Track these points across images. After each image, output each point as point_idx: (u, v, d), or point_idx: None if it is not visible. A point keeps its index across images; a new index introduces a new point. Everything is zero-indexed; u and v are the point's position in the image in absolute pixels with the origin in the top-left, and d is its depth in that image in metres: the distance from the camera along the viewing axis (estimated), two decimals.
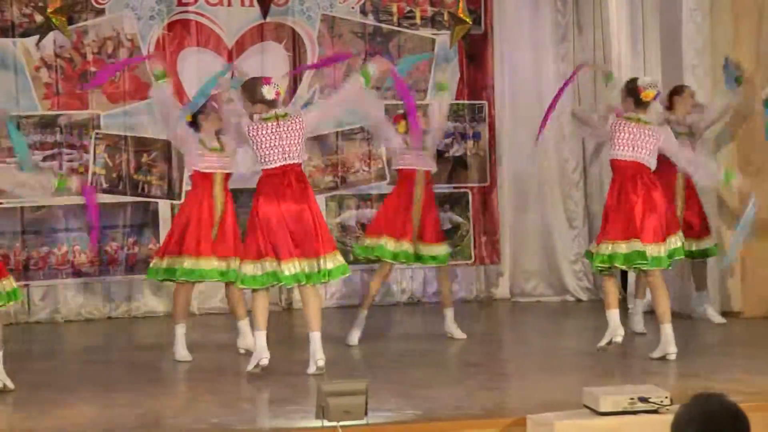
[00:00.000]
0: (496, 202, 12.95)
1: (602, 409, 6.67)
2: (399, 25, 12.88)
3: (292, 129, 8.81)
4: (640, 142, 9.12)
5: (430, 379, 8.51)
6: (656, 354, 9.08)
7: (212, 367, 9.39)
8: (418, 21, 12.92)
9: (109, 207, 12.13)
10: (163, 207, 12.26)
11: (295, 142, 8.79)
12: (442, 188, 12.54)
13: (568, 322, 9.99)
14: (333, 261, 8.82)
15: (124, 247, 12.19)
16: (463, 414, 7.31)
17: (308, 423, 6.91)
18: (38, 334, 11.48)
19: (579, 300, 12.51)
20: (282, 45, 12.65)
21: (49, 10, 11.73)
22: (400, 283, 12.78)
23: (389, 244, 10.15)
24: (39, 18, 11.91)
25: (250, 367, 8.62)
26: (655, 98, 9.25)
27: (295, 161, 8.79)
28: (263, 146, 8.73)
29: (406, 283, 12.80)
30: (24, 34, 12.00)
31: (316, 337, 8.75)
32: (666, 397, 6.69)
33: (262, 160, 8.77)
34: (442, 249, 10.35)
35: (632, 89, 9.20)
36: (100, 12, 12.21)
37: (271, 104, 8.82)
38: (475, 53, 12.93)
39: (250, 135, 8.76)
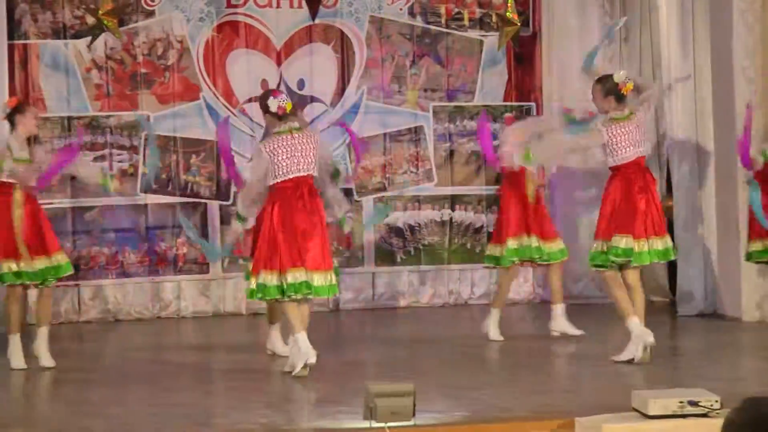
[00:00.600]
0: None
1: (651, 413, 6.64)
2: (447, 26, 12.86)
3: (305, 142, 8.86)
4: (638, 136, 9.17)
5: (478, 381, 8.49)
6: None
7: (260, 368, 9.40)
8: (466, 22, 12.90)
9: (158, 207, 12.19)
10: (212, 207, 12.29)
11: (308, 155, 8.83)
12: (489, 190, 12.53)
13: (616, 324, 9.91)
14: (325, 279, 8.83)
15: (173, 247, 12.23)
16: (511, 416, 7.28)
17: (356, 424, 6.91)
18: (88, 333, 11.54)
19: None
20: (330, 46, 12.66)
21: (100, 12, 11.74)
22: (447, 285, 12.75)
23: (513, 244, 10.22)
24: (90, 20, 11.94)
25: (297, 369, 8.60)
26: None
27: (308, 173, 8.83)
28: (277, 159, 8.75)
29: (453, 285, 12.77)
30: (76, 36, 12.08)
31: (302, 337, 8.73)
32: (716, 401, 6.65)
33: (275, 174, 8.77)
34: (559, 245, 10.44)
35: (611, 87, 9.18)
36: (150, 14, 12.26)
37: (280, 117, 8.86)
38: (523, 55, 12.90)
39: (269, 152, 8.78)
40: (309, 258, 8.70)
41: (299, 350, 8.67)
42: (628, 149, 9.10)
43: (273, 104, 8.86)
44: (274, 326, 9.69)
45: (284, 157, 8.73)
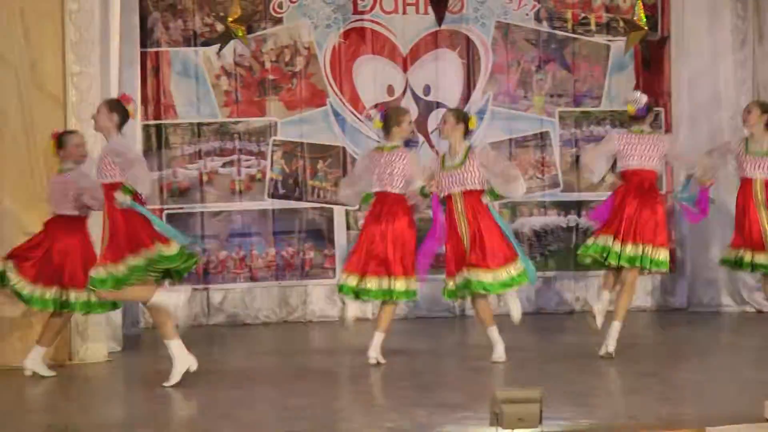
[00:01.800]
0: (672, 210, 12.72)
1: None
2: (573, 31, 12.78)
3: (393, 162, 9.41)
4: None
5: (606, 388, 8.41)
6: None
7: (386, 372, 9.38)
8: (593, 27, 12.81)
9: (285, 213, 12.26)
10: (338, 212, 12.31)
11: (393, 173, 9.42)
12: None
13: (747, 333, 9.80)
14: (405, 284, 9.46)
15: (299, 252, 12.28)
16: (639, 424, 7.16)
17: (482, 430, 6.84)
18: (216, 336, 11.61)
19: (760, 311, 12.19)
20: (456, 52, 12.64)
21: (229, 20, 11.89)
22: (573, 291, 12.65)
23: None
24: (220, 27, 12.09)
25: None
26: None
27: (390, 190, 9.40)
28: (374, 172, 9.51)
29: (580, 292, 12.67)
30: (205, 44, 12.22)
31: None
32: None
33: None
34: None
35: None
36: (278, 21, 12.35)
37: (384, 135, 9.60)
38: (651, 59, 12.75)
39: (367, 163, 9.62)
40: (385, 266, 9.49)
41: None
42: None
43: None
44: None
45: (376, 171, 9.59)
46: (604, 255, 9.55)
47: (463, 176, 9.46)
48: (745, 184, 10.26)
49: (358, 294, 9.55)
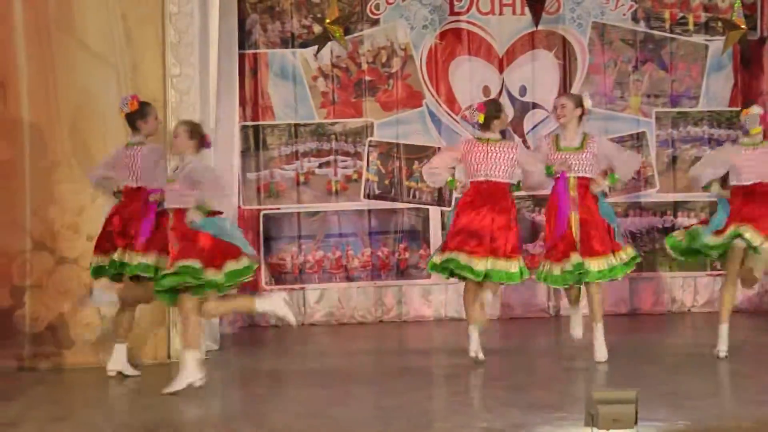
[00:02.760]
0: None
1: None
2: (671, 31, 12.68)
3: (498, 152, 9.52)
4: None
5: (701, 390, 8.32)
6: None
7: (481, 372, 9.38)
8: (690, 27, 12.70)
9: (381, 213, 12.31)
10: (434, 213, 12.33)
11: (500, 162, 9.48)
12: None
13: None
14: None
15: (395, 252, 12.31)
16: (735, 426, 7.11)
17: (577, 430, 6.83)
18: (313, 335, 11.69)
19: None
20: (552, 53, 12.60)
21: (327, 21, 11.92)
22: (670, 292, 12.57)
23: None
24: (317, 29, 12.13)
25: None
26: None
27: (497, 179, 9.48)
28: (471, 162, 9.54)
29: (676, 293, 12.58)
30: (303, 45, 12.30)
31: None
32: None
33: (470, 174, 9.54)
34: None
35: None
36: (375, 22, 12.39)
37: (482, 128, 9.60)
38: (750, 59, 12.62)
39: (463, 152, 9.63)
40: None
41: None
42: None
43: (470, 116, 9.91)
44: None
45: (476, 161, 9.59)
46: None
47: (580, 161, 9.53)
48: None
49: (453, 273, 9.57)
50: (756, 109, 9.73)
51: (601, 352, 9.46)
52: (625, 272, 9.64)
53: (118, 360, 9.30)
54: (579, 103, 9.66)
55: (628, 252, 9.56)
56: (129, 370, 9.32)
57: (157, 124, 9.46)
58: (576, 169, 9.49)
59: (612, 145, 9.96)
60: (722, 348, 9.57)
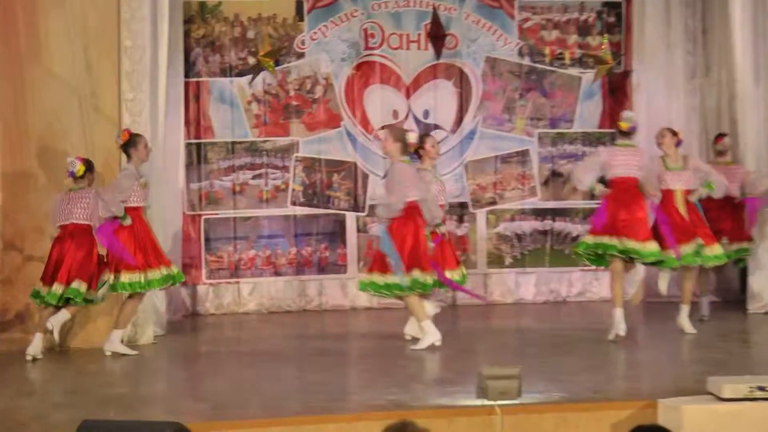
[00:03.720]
0: None
1: (725, 396, 6.54)
2: (551, 65, 12.79)
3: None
4: None
5: (575, 367, 8.39)
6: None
7: (389, 353, 9.39)
8: (567, 62, 12.82)
9: (305, 218, 12.30)
10: (350, 218, 12.35)
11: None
12: (586, 204, 12.40)
13: (694, 319, 9.83)
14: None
15: (317, 251, 12.31)
16: (602, 397, 7.19)
17: (469, 402, 6.88)
18: (247, 322, 11.66)
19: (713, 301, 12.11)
20: (451, 82, 12.64)
21: (260, 54, 11.90)
22: (548, 284, 12.63)
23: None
24: (252, 61, 12.12)
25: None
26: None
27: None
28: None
29: (554, 285, 12.65)
30: (239, 74, 12.24)
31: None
32: None
33: None
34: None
35: None
36: (301, 55, 12.38)
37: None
38: (616, 88, 12.78)
39: None
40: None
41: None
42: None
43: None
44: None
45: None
46: (600, 251, 9.59)
47: (684, 177, 9.86)
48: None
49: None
50: (632, 115, 10.07)
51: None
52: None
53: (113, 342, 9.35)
54: (674, 133, 9.98)
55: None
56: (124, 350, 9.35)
57: (148, 151, 9.45)
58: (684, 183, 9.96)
59: (702, 164, 10.36)
60: (620, 329, 9.58)
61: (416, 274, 9.18)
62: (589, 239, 9.65)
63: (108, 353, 9.24)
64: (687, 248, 9.74)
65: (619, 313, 9.46)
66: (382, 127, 12.25)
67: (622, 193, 9.62)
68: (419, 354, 9.20)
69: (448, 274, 9.70)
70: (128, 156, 9.40)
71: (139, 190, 9.31)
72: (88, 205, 9.27)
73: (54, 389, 8.04)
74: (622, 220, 9.48)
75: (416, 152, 9.83)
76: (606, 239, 9.51)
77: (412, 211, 9.24)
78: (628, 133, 9.84)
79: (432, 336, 9.23)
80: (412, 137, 9.56)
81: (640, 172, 9.66)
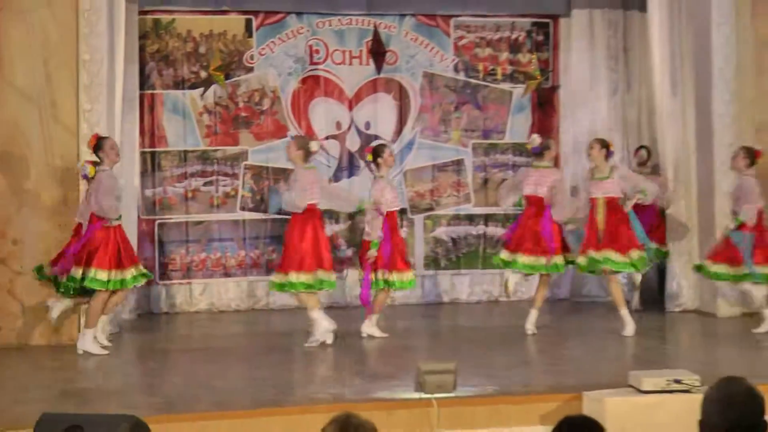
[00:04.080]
0: None
1: (644, 389, 6.62)
2: (484, 80, 12.87)
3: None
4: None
5: (506, 362, 8.46)
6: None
7: (333, 350, 9.41)
8: (499, 77, 12.90)
9: (253, 222, 12.27)
10: None
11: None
12: (516, 210, 12.48)
13: (613, 318, 9.93)
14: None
15: (264, 253, 12.29)
16: (531, 390, 7.27)
17: (407, 395, 6.92)
18: (198, 321, 11.61)
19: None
20: (391, 95, 12.69)
21: (211, 68, 11.89)
22: (482, 285, 12.70)
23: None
24: (203, 74, 12.09)
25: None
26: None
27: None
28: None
29: (486, 286, 12.71)
30: (191, 87, 12.20)
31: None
32: (697, 380, 6.61)
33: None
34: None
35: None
36: (250, 69, 12.36)
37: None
38: (544, 102, 12.89)
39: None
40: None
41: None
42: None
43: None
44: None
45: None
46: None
47: (606, 186, 9.84)
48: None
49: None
50: (535, 138, 10.18)
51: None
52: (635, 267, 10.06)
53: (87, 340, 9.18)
54: (604, 145, 9.94)
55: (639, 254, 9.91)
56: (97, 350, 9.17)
57: (116, 152, 9.22)
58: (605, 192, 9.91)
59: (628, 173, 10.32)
60: (529, 327, 9.82)
61: (320, 273, 9.39)
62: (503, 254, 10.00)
63: (80, 352, 9.05)
64: (591, 256, 9.84)
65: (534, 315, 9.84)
66: (327, 137, 12.31)
67: (529, 209, 9.91)
68: (361, 349, 9.24)
69: (396, 275, 9.74)
70: (100, 160, 9.22)
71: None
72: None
73: (14, 385, 7.96)
74: (519, 236, 9.87)
75: (374, 161, 9.89)
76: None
77: (312, 213, 9.52)
78: (538, 154, 10.01)
79: (328, 325, 9.43)
80: (314, 146, 9.79)
81: (548, 192, 9.82)
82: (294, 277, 9.37)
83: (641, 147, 11.94)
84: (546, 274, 9.95)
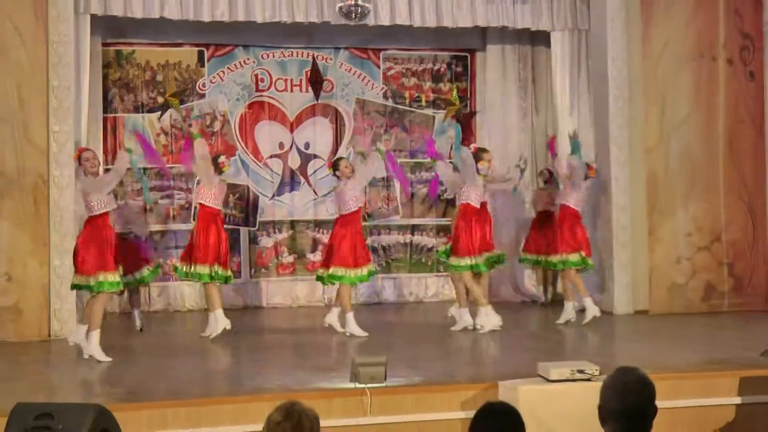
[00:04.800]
0: None
1: (552, 378, 6.67)
2: (410, 106, 12.94)
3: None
4: None
5: (431, 355, 8.49)
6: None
7: (275, 345, 9.40)
8: (423, 103, 12.99)
9: None
10: (243, 232, 12.30)
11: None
12: (438, 221, 12.58)
13: (524, 316, 10.05)
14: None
15: None
16: (453, 380, 7.30)
17: (344, 385, 6.92)
18: (156, 320, 11.50)
19: (534, 301, 12.44)
20: (328, 119, 12.71)
21: (167, 95, 11.77)
22: (409, 287, 12.73)
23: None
24: (160, 100, 12.00)
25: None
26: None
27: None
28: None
29: (413, 288, 12.74)
30: (150, 111, 12.11)
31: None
32: (596, 370, 6.68)
33: None
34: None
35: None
36: (202, 96, 12.31)
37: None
38: (463, 126, 12.93)
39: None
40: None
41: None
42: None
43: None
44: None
45: None
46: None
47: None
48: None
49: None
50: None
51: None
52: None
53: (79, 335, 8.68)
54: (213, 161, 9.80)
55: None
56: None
57: (96, 162, 8.70)
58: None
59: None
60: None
61: (216, 267, 9.51)
62: None
63: (86, 356, 8.41)
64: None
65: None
66: (271, 156, 12.28)
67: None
68: (300, 345, 9.21)
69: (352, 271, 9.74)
70: (84, 170, 8.83)
71: (105, 198, 8.58)
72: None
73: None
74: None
75: (334, 173, 9.88)
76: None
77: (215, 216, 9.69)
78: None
79: (223, 323, 9.48)
80: (222, 158, 9.87)
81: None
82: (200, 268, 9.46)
83: (545, 169, 12.09)
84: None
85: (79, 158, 8.90)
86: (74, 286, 8.61)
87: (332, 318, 9.73)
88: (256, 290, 12.34)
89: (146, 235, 11.08)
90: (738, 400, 7.10)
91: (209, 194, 9.64)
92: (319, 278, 9.83)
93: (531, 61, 12.95)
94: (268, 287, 12.32)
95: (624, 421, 3.45)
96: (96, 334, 8.39)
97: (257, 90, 12.46)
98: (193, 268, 9.45)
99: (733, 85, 11.29)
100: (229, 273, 9.70)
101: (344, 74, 12.70)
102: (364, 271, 9.69)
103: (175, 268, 10.04)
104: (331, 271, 9.55)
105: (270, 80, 12.49)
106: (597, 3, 11.39)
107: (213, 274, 9.50)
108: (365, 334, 9.51)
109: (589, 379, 6.62)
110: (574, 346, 9.24)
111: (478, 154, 9.97)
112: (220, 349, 9.16)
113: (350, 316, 9.60)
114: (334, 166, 9.93)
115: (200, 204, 9.70)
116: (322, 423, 3.61)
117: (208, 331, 9.51)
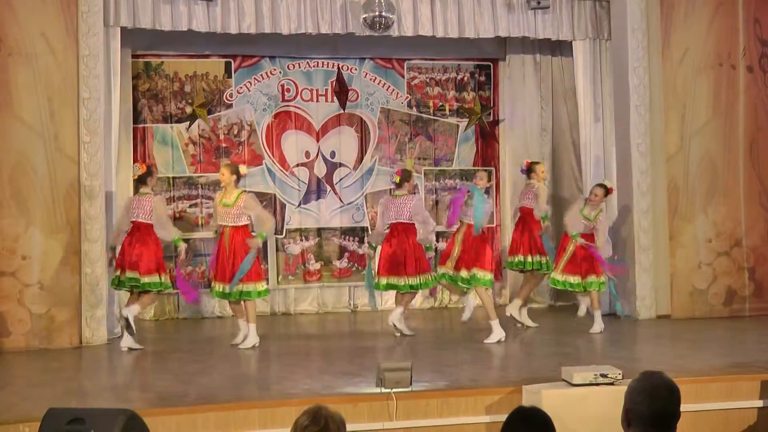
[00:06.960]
0: (500, 238, 12.91)
1: (575, 382, 6.64)
2: (434, 114, 12.92)
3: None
4: None
5: (456, 360, 8.47)
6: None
7: (303, 351, 9.39)
8: (447, 112, 12.96)
9: None
10: (271, 240, 12.30)
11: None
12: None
13: (548, 321, 9.99)
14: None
15: None
16: (478, 384, 7.27)
17: (370, 390, 6.91)
18: (185, 326, 11.53)
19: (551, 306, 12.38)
20: (353, 128, 12.71)
21: (195, 105, 11.86)
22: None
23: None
24: (188, 110, 12.05)
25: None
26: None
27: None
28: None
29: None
30: (178, 121, 12.15)
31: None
32: (619, 374, 6.64)
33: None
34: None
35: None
36: (229, 106, 12.34)
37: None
38: (486, 134, 12.96)
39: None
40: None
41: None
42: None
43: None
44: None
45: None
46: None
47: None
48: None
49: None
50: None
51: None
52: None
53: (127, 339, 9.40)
54: (234, 171, 9.78)
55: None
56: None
57: (156, 179, 9.91)
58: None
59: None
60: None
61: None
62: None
63: (123, 321, 9.38)
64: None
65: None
66: (298, 165, 12.30)
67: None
68: (327, 350, 9.20)
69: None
70: (145, 183, 9.57)
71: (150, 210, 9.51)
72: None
73: (22, 384, 7.87)
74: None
75: (400, 184, 10.12)
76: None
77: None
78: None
79: (255, 339, 9.53)
80: (243, 169, 9.93)
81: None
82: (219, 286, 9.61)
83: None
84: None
85: (146, 173, 9.55)
86: (125, 282, 9.42)
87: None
88: (284, 297, 12.35)
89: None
90: (760, 403, 7.04)
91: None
92: (464, 281, 9.66)
93: (551, 70, 12.90)
94: (296, 294, 12.33)
95: (650, 425, 3.42)
96: (137, 308, 9.35)
97: (283, 100, 12.48)
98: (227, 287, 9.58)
99: (752, 92, 11.22)
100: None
101: (369, 84, 12.70)
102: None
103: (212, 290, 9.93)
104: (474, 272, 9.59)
105: (296, 90, 12.51)
106: (617, 12, 11.35)
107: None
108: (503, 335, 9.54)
109: (612, 383, 6.59)
110: (598, 351, 9.18)
111: (532, 167, 10.26)
112: (249, 355, 9.16)
113: (495, 323, 9.55)
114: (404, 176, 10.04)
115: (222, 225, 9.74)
116: (348, 427, 3.59)
117: (243, 341, 9.45)
